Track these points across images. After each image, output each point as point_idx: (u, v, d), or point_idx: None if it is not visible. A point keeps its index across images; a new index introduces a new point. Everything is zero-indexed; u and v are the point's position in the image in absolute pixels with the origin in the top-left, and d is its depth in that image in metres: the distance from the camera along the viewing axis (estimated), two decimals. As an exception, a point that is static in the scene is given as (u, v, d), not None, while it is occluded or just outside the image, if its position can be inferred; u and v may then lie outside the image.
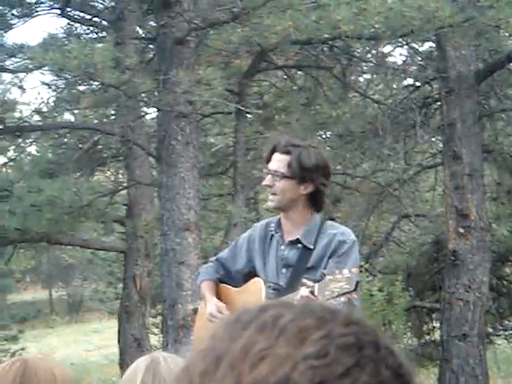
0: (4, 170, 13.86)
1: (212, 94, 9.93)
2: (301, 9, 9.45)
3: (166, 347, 9.74)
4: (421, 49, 13.25)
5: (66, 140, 14.88)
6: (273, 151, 3.93)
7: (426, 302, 13.12)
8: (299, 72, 14.16)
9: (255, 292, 3.90)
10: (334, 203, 13.25)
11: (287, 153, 3.86)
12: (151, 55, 12.60)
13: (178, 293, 9.68)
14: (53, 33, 13.46)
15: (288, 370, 0.82)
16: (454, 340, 10.92)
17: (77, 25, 13.73)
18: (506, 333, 14.10)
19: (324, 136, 14.93)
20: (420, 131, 11.93)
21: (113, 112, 14.14)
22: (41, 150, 15.03)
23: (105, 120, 14.29)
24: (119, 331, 13.54)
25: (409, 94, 12.70)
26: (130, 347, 13.09)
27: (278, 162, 3.88)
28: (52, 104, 14.38)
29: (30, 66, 11.62)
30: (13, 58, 12.51)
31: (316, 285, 3.55)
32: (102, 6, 13.73)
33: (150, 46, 12.84)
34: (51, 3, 12.66)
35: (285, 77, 14.37)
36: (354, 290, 3.47)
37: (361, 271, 9.20)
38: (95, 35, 14.13)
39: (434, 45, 12.40)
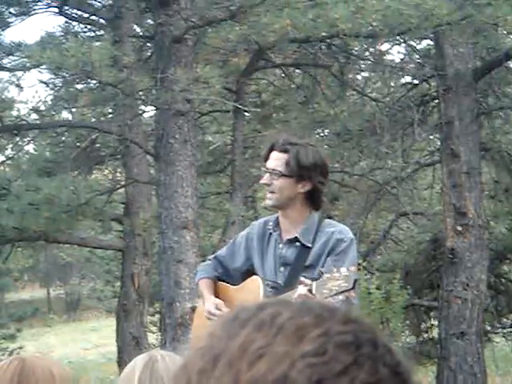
0: (2, 168, 13.85)
1: (210, 93, 9.93)
2: (298, 7, 9.45)
3: (164, 345, 9.74)
4: (418, 47, 13.27)
5: (63, 138, 14.87)
6: (271, 149, 3.93)
7: (424, 300, 13.13)
8: (297, 70, 14.16)
9: (253, 290, 3.90)
10: (331, 201, 13.25)
11: (285, 151, 3.86)
12: (149, 53, 12.59)
13: (176, 291, 9.68)
14: (50, 31, 13.43)
15: (286, 368, 0.82)
16: (452, 338, 10.93)
17: (74, 23, 13.72)
18: (504, 331, 14.11)
19: (322, 134, 14.94)
20: (418, 129, 11.93)
21: (110, 110, 14.14)
22: (38, 148, 15.03)
23: (102, 118, 14.29)
24: (117, 329, 13.54)
25: (407, 92, 12.70)
26: (128, 345, 13.09)
27: (276, 160, 3.87)
28: (50, 102, 14.36)
29: (28, 65, 11.60)
30: (10, 57, 12.49)
31: (314, 283, 3.55)
32: (99, 4, 13.72)
33: (148, 44, 12.83)
34: (49, 1, 12.66)
35: (283, 75, 14.37)
36: (352, 288, 3.48)
37: (359, 269, 9.20)
38: (93, 33, 14.11)
39: (431, 43, 12.41)
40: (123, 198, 14.08)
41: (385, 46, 13.20)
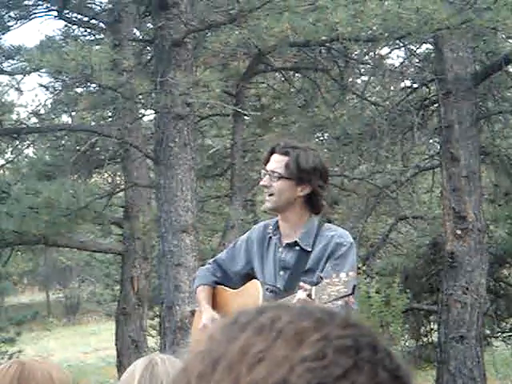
0: (1, 171, 13.85)
1: (209, 96, 9.93)
2: (298, 11, 9.46)
3: (164, 349, 9.73)
4: (418, 51, 13.27)
5: (63, 142, 14.88)
6: (271, 152, 3.93)
7: (424, 304, 13.13)
8: (297, 74, 14.18)
9: (253, 294, 3.89)
10: (331, 205, 13.26)
11: (285, 154, 3.86)
12: (149, 57, 12.59)
13: (175, 295, 9.68)
14: (50, 35, 13.48)
15: (285, 372, 0.82)
16: (451, 342, 10.92)
17: (74, 27, 13.73)
18: (504, 335, 14.12)
19: (321, 138, 14.95)
20: (417, 133, 11.94)
21: (110, 114, 14.15)
22: (38, 151, 15.04)
23: (102, 122, 14.29)
24: (117, 333, 13.53)
25: (406, 96, 12.71)
26: (128, 349, 13.08)
27: (276, 162, 3.87)
28: (49, 106, 14.38)
29: (28, 68, 11.61)
30: (10, 60, 12.51)
31: (313, 288, 3.54)
32: (99, 7, 13.72)
33: (148, 47, 12.83)
34: (48, 5, 12.66)
35: (282, 79, 14.38)
36: (352, 293, 3.47)
37: (358, 273, 9.20)
38: (92, 37, 14.12)
39: (431, 47, 12.42)
40: (123, 202, 14.08)
41: (384, 50, 13.24)
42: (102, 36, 13.71)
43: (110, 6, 13.14)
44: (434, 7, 9.16)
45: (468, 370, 10.84)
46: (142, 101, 11.11)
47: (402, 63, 13.53)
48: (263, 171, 3.94)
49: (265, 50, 10.50)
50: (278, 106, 14.61)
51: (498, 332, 14.08)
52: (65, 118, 15.46)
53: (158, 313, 15.47)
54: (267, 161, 3.93)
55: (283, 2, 9.57)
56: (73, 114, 15.04)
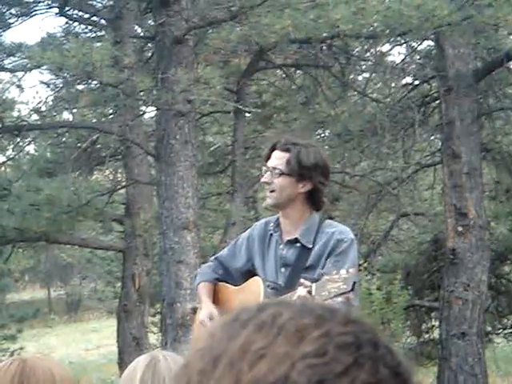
0: (2, 169, 13.85)
1: (211, 93, 9.93)
2: (299, 8, 9.46)
3: (165, 346, 9.74)
4: (419, 47, 13.28)
5: (64, 139, 14.87)
6: (272, 149, 3.93)
7: (425, 301, 13.13)
8: (298, 71, 14.17)
9: (254, 291, 3.90)
10: (332, 202, 13.25)
11: (286, 150, 3.86)
12: (150, 54, 12.59)
13: (176, 292, 9.68)
14: (51, 32, 13.46)
15: (287, 369, 0.82)
16: (452, 339, 10.92)
17: (75, 24, 13.73)
18: (505, 331, 14.11)
19: (323, 135, 14.94)
20: (419, 130, 11.94)
21: (111, 111, 14.14)
22: (39, 149, 15.03)
23: (103, 119, 14.29)
24: (118, 330, 13.54)
25: (407, 93, 12.70)
26: (129, 346, 13.09)
27: (278, 159, 3.88)
28: (50, 103, 14.37)
29: (29, 65, 11.61)
30: (11, 57, 12.51)
31: (313, 285, 3.54)
32: (100, 4, 13.72)
33: (149, 44, 12.83)
34: (49, 2, 12.66)
35: (283, 76, 14.37)
36: (351, 290, 3.47)
37: (359, 270, 9.20)
38: (93, 34, 14.12)
39: (432, 43, 12.41)
40: (124, 199, 14.08)
41: (386, 47, 13.23)
42: (103, 33, 13.70)
43: (111, 2, 13.14)
44: (435, 4, 9.15)
45: (469, 367, 10.85)
46: (143, 98, 11.10)
47: (403, 60, 13.51)
48: (264, 168, 3.94)
49: (266, 47, 10.49)
50: (279, 103, 14.60)
51: (500, 329, 14.08)
52: (66, 115, 15.46)
53: (159, 310, 15.47)
54: (268, 157, 3.93)
55: (284, -1, 9.57)
56: (74, 111, 15.02)
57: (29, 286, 38.78)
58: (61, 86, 14.32)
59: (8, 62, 12.60)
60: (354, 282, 3.48)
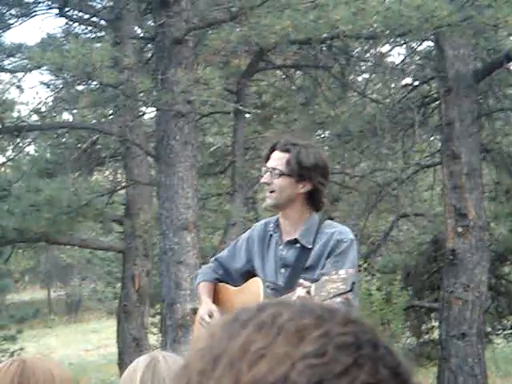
0: (2, 169, 13.85)
1: (210, 94, 9.94)
2: (299, 8, 9.46)
3: (165, 347, 9.74)
4: (419, 48, 13.28)
5: (64, 140, 14.87)
6: (272, 150, 3.94)
7: (425, 302, 13.13)
8: (298, 72, 14.17)
9: (254, 291, 3.90)
10: (332, 202, 13.26)
11: (286, 151, 3.86)
12: (149, 55, 12.59)
13: (176, 292, 9.68)
14: (51, 32, 13.47)
15: (286, 369, 0.82)
16: (452, 339, 10.92)
17: (75, 24, 13.73)
18: (505, 332, 14.12)
19: (322, 135, 14.94)
20: (418, 130, 11.94)
21: (111, 111, 14.13)
22: (39, 149, 15.03)
23: (103, 120, 14.28)
24: (118, 331, 13.54)
25: (407, 94, 12.71)
26: (129, 347, 13.08)
27: (277, 159, 3.88)
28: (50, 104, 14.37)
29: (29, 66, 11.62)
30: (11, 58, 12.52)
31: (313, 285, 3.54)
32: (100, 5, 13.72)
33: (149, 45, 12.83)
34: (49, 3, 12.66)
35: (283, 76, 14.38)
36: (350, 290, 3.47)
37: (359, 270, 9.21)
38: (93, 35, 14.12)
39: (432, 44, 12.42)
40: (124, 200, 14.08)
41: (385, 48, 13.23)
42: (103, 34, 13.71)
43: (111, 3, 13.14)
44: (435, 4, 9.16)
45: (469, 368, 10.85)
46: (143, 98, 11.10)
47: (402, 61, 13.52)
48: (264, 168, 3.94)
49: (266, 48, 10.50)
50: (278, 104, 14.60)
51: (499, 329, 14.09)
52: (66, 116, 15.46)
53: (159, 310, 15.47)
54: (268, 158, 3.94)
55: (284, 0, 9.57)
56: (74, 111, 15.02)
57: (29, 286, 38.77)
58: (61, 86, 14.32)
59: (8, 63, 12.61)
60: (353, 282, 3.48)
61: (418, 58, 13.33)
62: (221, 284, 4.17)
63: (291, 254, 3.92)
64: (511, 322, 14.17)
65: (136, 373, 2.33)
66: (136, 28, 13.36)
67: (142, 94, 10.88)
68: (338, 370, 0.82)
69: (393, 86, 14.10)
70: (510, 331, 14.12)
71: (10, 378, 2.21)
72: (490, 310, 12.77)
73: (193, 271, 9.42)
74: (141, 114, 12.80)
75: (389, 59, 13.84)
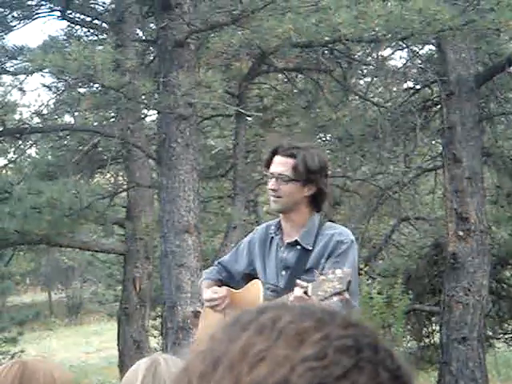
0: (4, 171, 13.86)
1: (212, 97, 9.94)
2: (301, 12, 9.46)
3: (166, 349, 9.73)
4: (421, 52, 13.27)
5: (65, 142, 14.89)
6: (273, 154, 3.92)
7: (426, 305, 13.12)
8: (299, 75, 14.17)
9: (253, 293, 3.91)
10: (333, 206, 13.26)
11: (291, 156, 3.84)
12: (151, 57, 12.60)
13: (177, 295, 9.68)
14: (53, 35, 13.48)
15: (286, 372, 0.82)
16: (453, 343, 10.91)
17: (77, 27, 13.74)
18: (506, 336, 14.10)
19: (324, 139, 14.94)
20: (420, 134, 11.94)
21: (113, 114, 14.15)
22: (41, 152, 15.04)
23: (105, 122, 14.29)
24: (119, 333, 13.53)
25: (409, 97, 12.71)
26: (130, 349, 13.08)
27: (282, 164, 3.86)
28: (52, 106, 14.39)
29: (30, 68, 11.61)
30: (13, 60, 12.53)
31: (310, 285, 3.55)
32: (102, 8, 13.74)
33: (151, 48, 12.85)
34: (51, 5, 12.67)
35: (285, 80, 14.38)
36: (346, 289, 3.47)
37: (360, 274, 9.20)
38: (95, 37, 14.13)
39: (434, 48, 12.41)
40: (125, 202, 14.09)
41: (387, 51, 13.24)
42: (105, 36, 13.72)
43: (113, 6, 13.16)
44: (437, 8, 9.16)
45: (470, 372, 10.83)
46: (145, 101, 11.11)
47: (404, 64, 13.52)
48: (269, 174, 3.92)
49: (267, 51, 10.50)
50: (280, 107, 14.60)
51: (500, 333, 14.07)
52: (67, 118, 15.47)
53: (159, 313, 15.47)
54: (269, 162, 3.92)
55: (286, 3, 9.58)
56: (75, 114, 15.03)
57: (30, 288, 38.76)
58: (62, 89, 14.34)
59: (10, 65, 12.62)
60: (349, 281, 3.47)
61: (419, 61, 13.32)
62: (223, 286, 4.19)
63: (292, 256, 3.92)
64: (512, 326, 14.16)
65: (137, 376, 2.33)
66: (138, 31, 13.37)
67: (143, 97, 10.89)
68: (338, 373, 0.82)
69: (394, 89, 14.11)
70: (510, 335, 14.10)
71: (11, 380, 2.21)
72: (490, 313, 12.76)
73: (194, 274, 9.42)
74: (142, 116, 12.81)
75: (390, 63, 13.86)
